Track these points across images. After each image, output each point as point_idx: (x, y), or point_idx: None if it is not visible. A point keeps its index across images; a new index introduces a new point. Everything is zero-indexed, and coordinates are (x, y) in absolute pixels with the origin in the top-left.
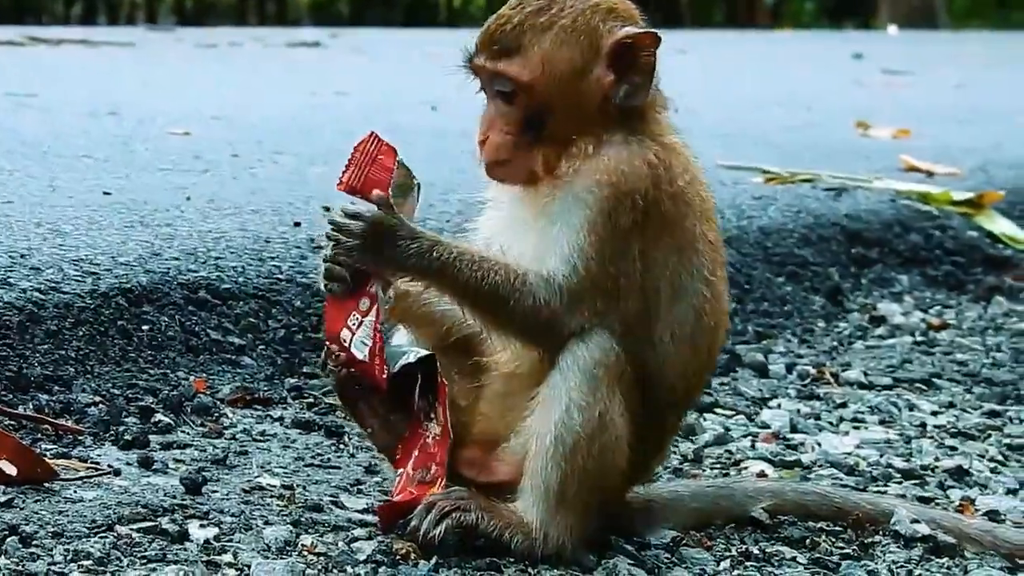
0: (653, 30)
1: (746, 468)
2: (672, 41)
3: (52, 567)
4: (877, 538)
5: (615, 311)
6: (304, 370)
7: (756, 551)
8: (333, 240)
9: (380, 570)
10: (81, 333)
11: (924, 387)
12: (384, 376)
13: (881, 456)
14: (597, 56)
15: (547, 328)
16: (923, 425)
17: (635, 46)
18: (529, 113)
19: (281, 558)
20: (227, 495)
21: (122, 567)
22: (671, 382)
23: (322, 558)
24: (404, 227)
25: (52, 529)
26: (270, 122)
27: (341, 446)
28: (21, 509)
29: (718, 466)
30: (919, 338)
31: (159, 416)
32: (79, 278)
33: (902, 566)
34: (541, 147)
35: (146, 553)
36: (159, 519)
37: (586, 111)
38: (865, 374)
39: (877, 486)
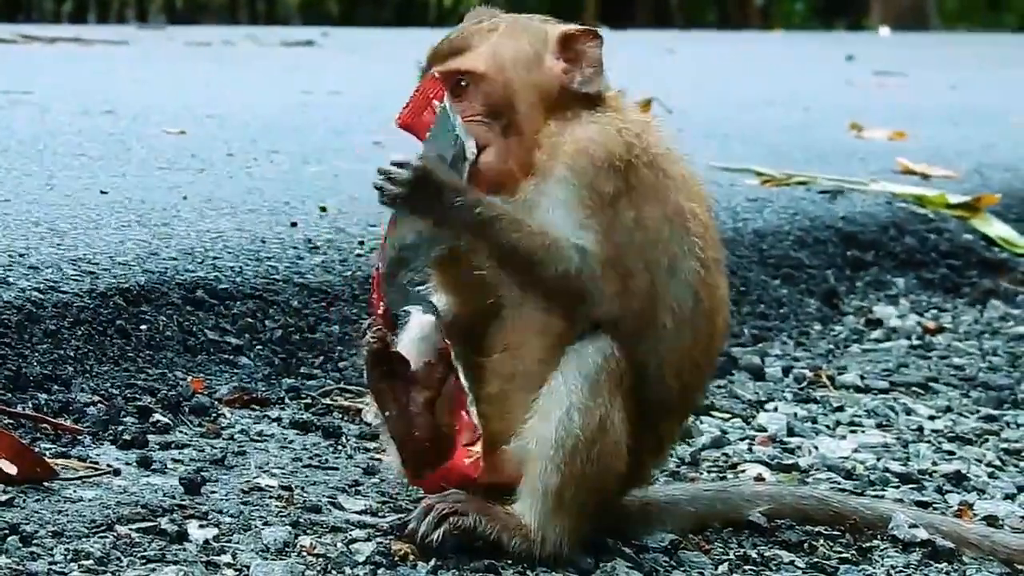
0: (595, 28)
1: (743, 471)
2: (662, 41)
3: (52, 567)
4: (875, 542)
5: (628, 289)
6: (301, 370)
7: (754, 555)
8: (378, 188)
9: (379, 571)
10: (79, 332)
11: (921, 391)
12: (380, 307)
13: (878, 460)
14: (545, 46)
15: (576, 296)
16: (920, 429)
17: (580, 38)
18: (489, 102)
19: (280, 559)
20: (226, 495)
21: (122, 567)
22: (669, 378)
23: (321, 559)
24: (449, 181)
25: (52, 528)
26: (264, 121)
27: (339, 447)
28: (21, 508)
29: (715, 469)
30: (915, 341)
31: (157, 416)
32: (77, 278)
33: (900, 571)
34: (512, 139)
35: (146, 553)
36: (158, 519)
37: (546, 100)
38: (862, 377)
39: (875, 490)
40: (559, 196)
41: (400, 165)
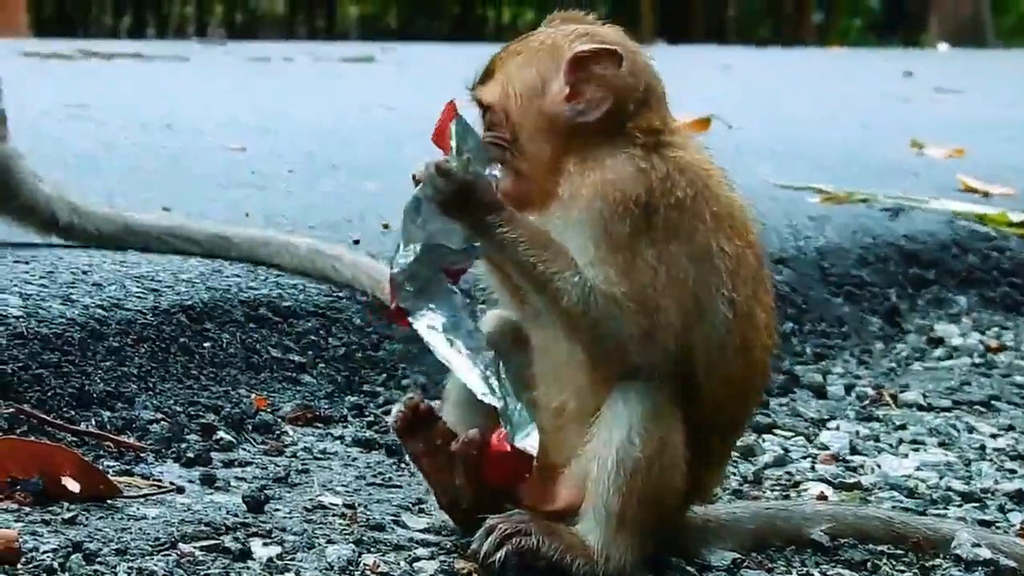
0: (613, 48)
1: (806, 490)
2: (718, 56)
3: None
4: (938, 562)
5: (658, 328)
6: (364, 388)
7: (816, 574)
8: (432, 189)
9: None
10: (143, 350)
11: (983, 409)
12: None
13: (941, 478)
14: (557, 72)
15: (596, 330)
16: (983, 447)
17: (590, 61)
18: (501, 132)
19: None
20: (289, 513)
21: None
22: (712, 407)
23: None
24: (487, 194)
25: (115, 546)
26: (323, 137)
27: (402, 465)
28: (84, 526)
29: (778, 487)
30: (977, 360)
31: (221, 433)
32: (141, 295)
33: None
34: (528, 168)
35: (209, 571)
36: (222, 537)
37: (550, 129)
38: (924, 396)
39: (937, 509)
40: (576, 242)
41: (442, 173)
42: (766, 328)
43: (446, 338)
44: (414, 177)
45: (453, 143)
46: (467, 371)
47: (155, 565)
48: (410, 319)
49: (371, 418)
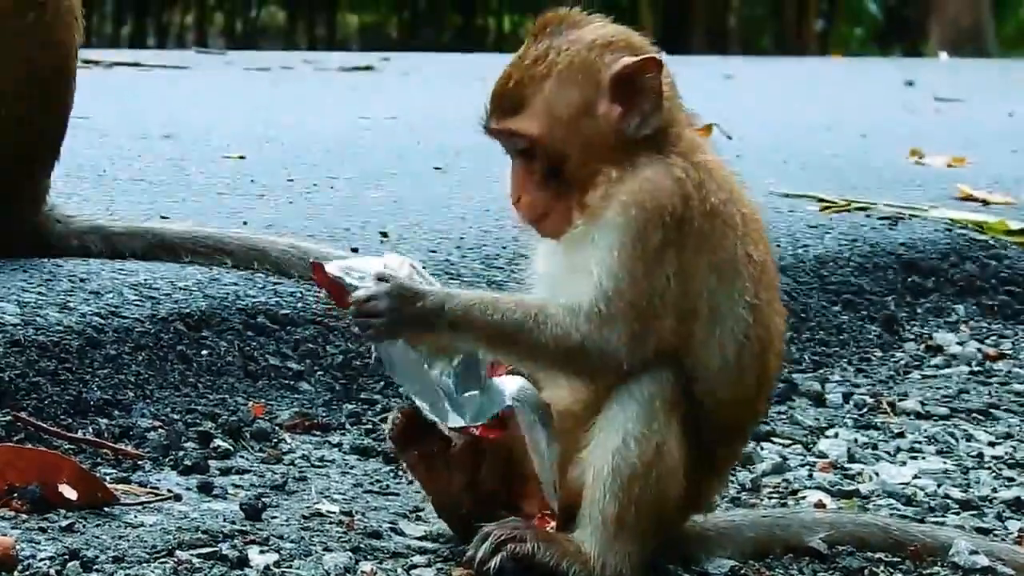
0: (653, 54)
1: (804, 498)
2: (720, 66)
3: None
4: (935, 569)
5: (652, 334)
6: (362, 396)
7: None
8: (361, 326)
9: None
10: (140, 358)
11: (981, 417)
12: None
13: (939, 487)
14: (599, 91)
15: (581, 355)
16: (980, 456)
17: (636, 74)
18: (549, 163)
19: None
20: (287, 521)
21: None
22: (722, 412)
23: None
24: (415, 289)
25: (113, 554)
26: (324, 146)
27: (400, 472)
28: (82, 534)
29: (776, 495)
30: (975, 368)
31: (218, 441)
32: (138, 303)
33: None
34: (572, 192)
35: None
36: (219, 545)
37: (602, 146)
38: (922, 404)
39: (935, 516)
40: (602, 244)
41: (369, 299)
42: (780, 335)
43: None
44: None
45: (346, 280)
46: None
47: (152, 572)
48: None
49: (369, 426)
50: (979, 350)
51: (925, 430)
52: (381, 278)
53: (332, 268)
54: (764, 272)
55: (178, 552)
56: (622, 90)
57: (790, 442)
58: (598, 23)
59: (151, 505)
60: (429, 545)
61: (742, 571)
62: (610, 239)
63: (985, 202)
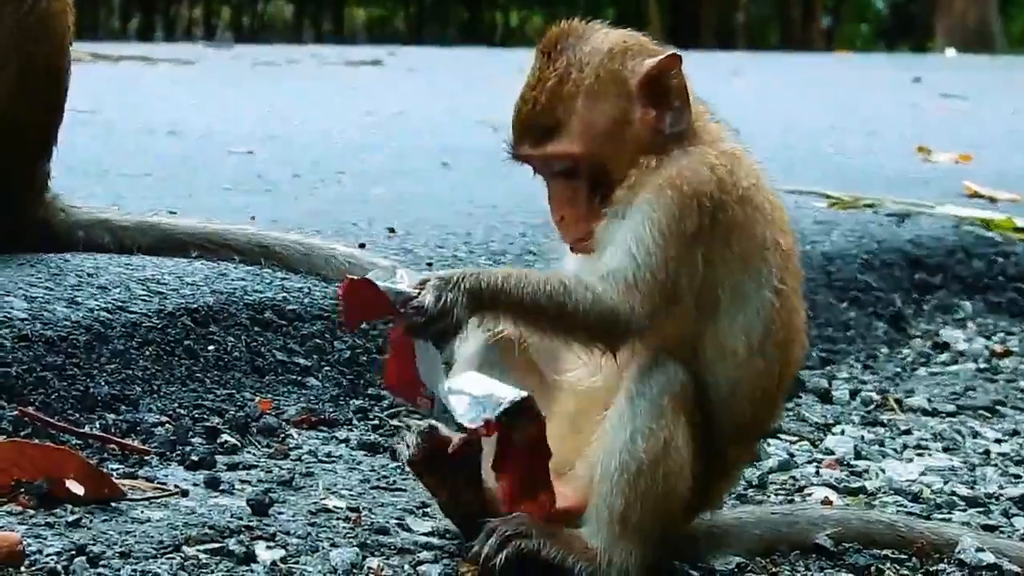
0: (671, 51)
1: (810, 494)
2: (727, 62)
3: None
4: (942, 566)
5: (671, 312)
6: (369, 391)
7: None
8: (416, 324)
9: None
10: (148, 353)
11: (988, 414)
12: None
13: (945, 483)
14: (631, 99)
15: (610, 324)
16: (987, 452)
17: (661, 74)
18: (592, 179)
19: None
20: (293, 517)
21: None
22: (741, 404)
23: None
24: (450, 274)
25: (120, 549)
26: (330, 141)
27: (407, 468)
28: (89, 529)
29: (782, 492)
30: (982, 365)
31: (225, 437)
32: (146, 298)
33: None
34: (601, 195)
35: (213, 574)
36: (226, 540)
37: (641, 150)
38: (929, 400)
39: (941, 513)
40: (636, 219)
41: (418, 302)
42: (803, 327)
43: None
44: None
45: (387, 287)
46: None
47: (159, 568)
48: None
49: (376, 421)
50: (986, 347)
51: (932, 427)
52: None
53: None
54: (790, 260)
55: (185, 548)
56: (652, 93)
57: (797, 439)
58: (602, 30)
59: (158, 500)
60: (436, 541)
61: (749, 568)
62: (646, 215)
63: (992, 199)
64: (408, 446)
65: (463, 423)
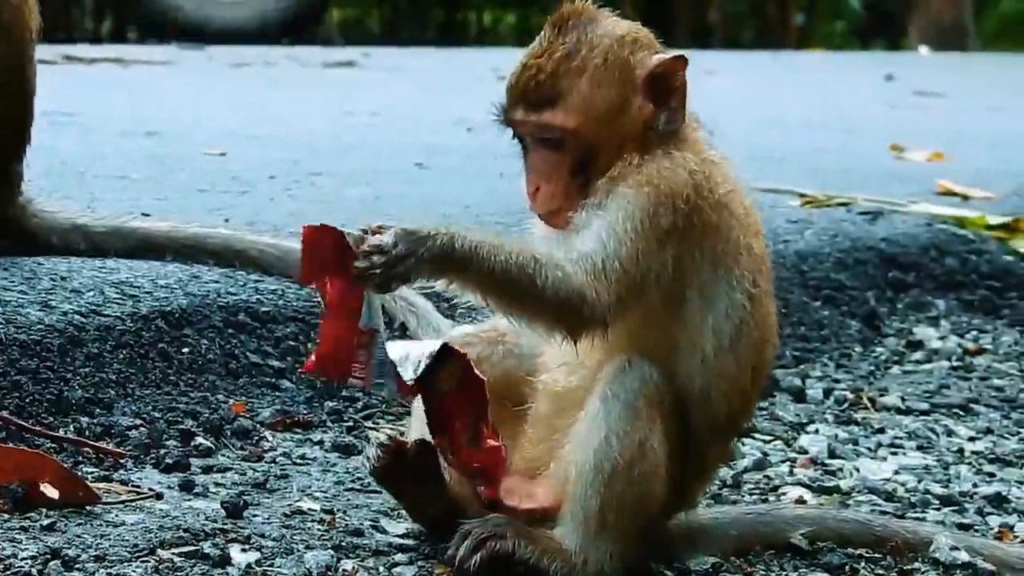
0: (680, 53)
1: (784, 493)
2: (701, 62)
3: None
4: (916, 565)
5: (634, 305)
6: (343, 393)
7: None
8: (366, 266)
9: None
10: (121, 356)
11: (962, 412)
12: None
13: (919, 482)
14: (634, 89)
15: (575, 307)
16: (961, 451)
17: (667, 73)
18: (577, 156)
19: None
20: (268, 519)
21: None
22: (716, 403)
23: None
24: (423, 230)
25: (94, 553)
26: (306, 142)
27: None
28: (63, 533)
29: (757, 491)
30: (956, 363)
31: (199, 439)
32: (119, 301)
33: None
34: (589, 185)
35: None
36: (201, 543)
37: (630, 141)
38: (902, 399)
39: (916, 512)
40: (610, 211)
41: (375, 244)
42: (775, 328)
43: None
44: None
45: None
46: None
47: (134, 571)
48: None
49: (350, 423)
50: (959, 345)
51: (906, 425)
52: (382, 227)
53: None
54: (763, 264)
55: (160, 551)
56: (654, 88)
57: (771, 438)
58: (612, 18)
59: (133, 504)
60: (411, 543)
61: (724, 568)
62: (622, 208)
63: (965, 197)
64: (369, 457)
65: (393, 390)
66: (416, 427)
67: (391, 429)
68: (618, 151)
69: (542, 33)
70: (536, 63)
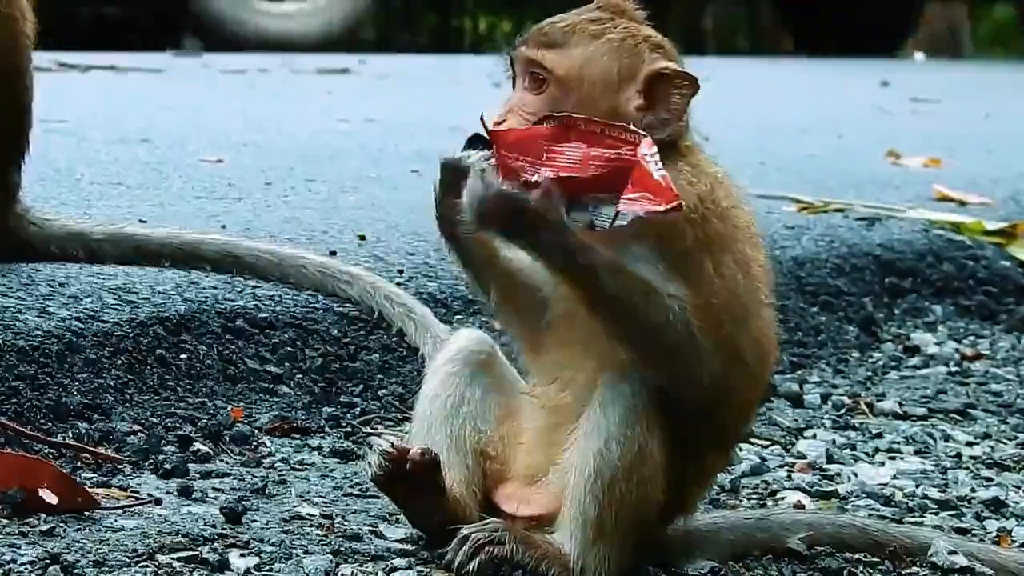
0: (694, 75)
1: (783, 499)
2: (696, 68)
3: None
4: (914, 570)
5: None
6: (341, 399)
7: None
8: (480, 214)
9: None
10: (120, 362)
11: (959, 417)
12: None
13: (917, 487)
14: (633, 78)
15: (675, 351)
16: (959, 456)
17: (671, 82)
18: (552, 108)
19: None
20: (267, 524)
21: None
22: (718, 410)
23: None
24: (558, 217)
25: (93, 558)
26: (301, 149)
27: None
28: (62, 538)
29: (755, 496)
30: (953, 368)
31: (198, 445)
32: (117, 307)
33: None
34: None
35: None
36: (200, 548)
37: None
38: (900, 404)
39: (913, 517)
40: (636, 252)
41: (508, 198)
42: (775, 342)
43: None
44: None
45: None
46: None
47: None
48: None
49: (348, 429)
50: (957, 350)
51: (903, 430)
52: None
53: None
54: (766, 275)
55: (159, 556)
56: (651, 89)
57: (768, 443)
58: (649, 25)
59: (131, 509)
60: (409, 548)
61: (722, 573)
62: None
63: (962, 203)
64: (370, 464)
65: None
66: (417, 434)
67: (392, 436)
68: None
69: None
70: (563, 18)
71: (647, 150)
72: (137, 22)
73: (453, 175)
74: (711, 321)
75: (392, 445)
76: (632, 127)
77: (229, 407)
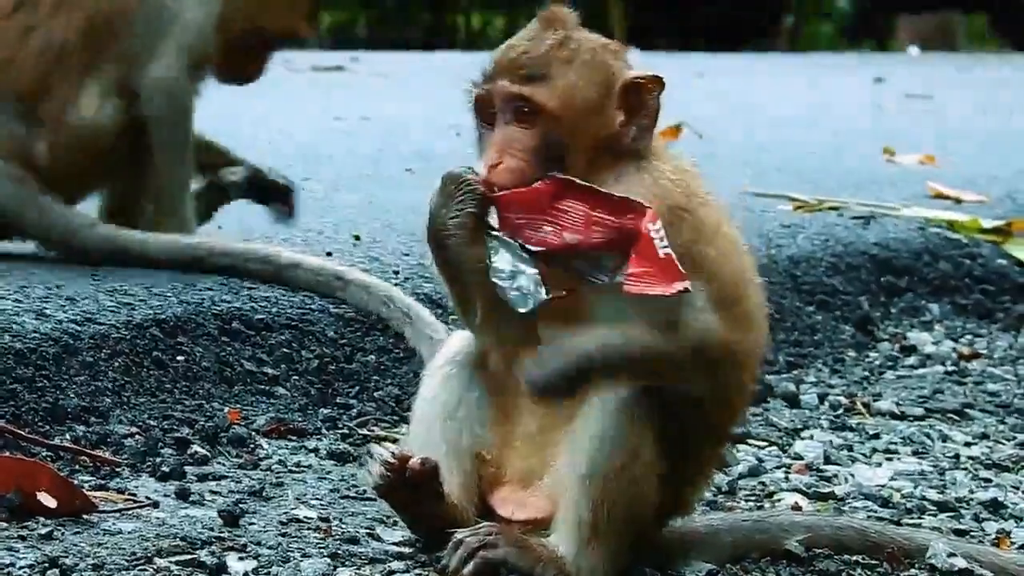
0: (658, 74)
1: (780, 500)
2: (689, 65)
3: None
4: (913, 571)
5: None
6: (338, 400)
7: None
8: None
9: None
10: (117, 364)
11: (957, 417)
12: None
13: (915, 488)
14: (610, 94)
15: (700, 351)
16: (957, 456)
17: (643, 87)
18: (547, 142)
19: None
20: (264, 527)
21: None
22: (710, 409)
23: None
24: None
25: (92, 561)
26: (296, 148)
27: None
28: (60, 541)
29: (752, 498)
30: (950, 368)
31: (195, 447)
32: (114, 309)
33: None
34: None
35: None
36: (198, 551)
37: (598, 148)
38: (897, 404)
39: (912, 518)
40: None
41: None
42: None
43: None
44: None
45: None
46: None
47: None
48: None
49: (345, 431)
50: (954, 349)
51: (900, 431)
52: None
53: None
54: (746, 272)
55: (157, 559)
56: (628, 100)
57: (765, 444)
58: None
59: (129, 512)
60: (407, 551)
61: (719, 574)
62: None
63: (958, 200)
64: (371, 473)
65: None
66: (415, 436)
67: (391, 444)
68: (586, 153)
69: (529, 26)
70: (528, 44)
71: (652, 225)
72: None
73: (454, 188)
74: (722, 305)
75: (392, 454)
76: (636, 199)
77: (226, 409)
